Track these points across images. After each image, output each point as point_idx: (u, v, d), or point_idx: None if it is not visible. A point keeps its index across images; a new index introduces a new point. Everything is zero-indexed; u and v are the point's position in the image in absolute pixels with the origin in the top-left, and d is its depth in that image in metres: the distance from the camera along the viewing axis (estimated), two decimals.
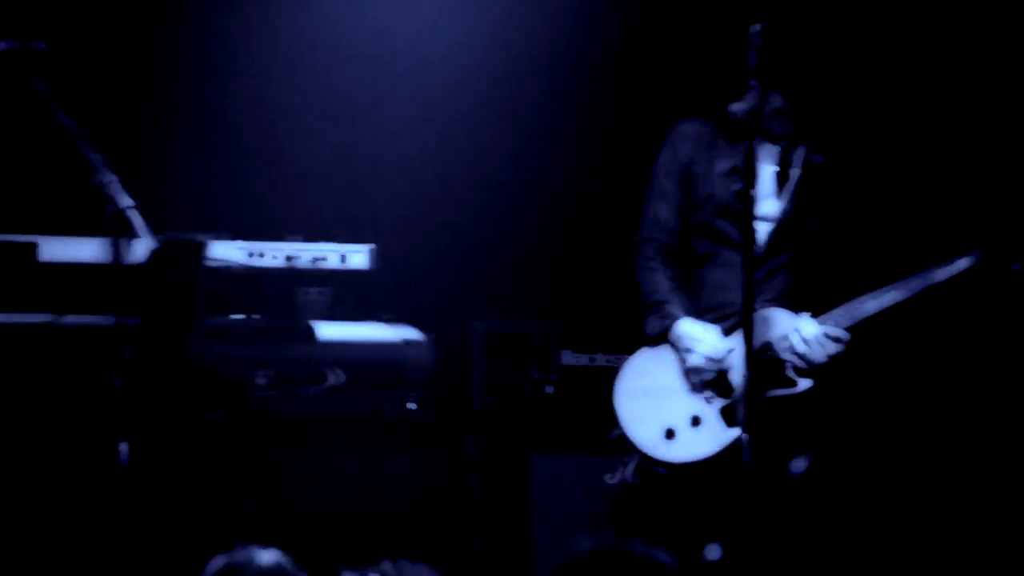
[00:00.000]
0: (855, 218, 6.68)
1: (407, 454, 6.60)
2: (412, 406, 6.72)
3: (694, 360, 6.59)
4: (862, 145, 6.75)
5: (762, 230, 6.58)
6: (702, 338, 6.59)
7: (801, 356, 6.54)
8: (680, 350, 6.65)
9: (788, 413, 6.58)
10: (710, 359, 6.55)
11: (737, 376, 6.53)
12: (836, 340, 6.54)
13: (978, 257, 6.35)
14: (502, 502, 7.21)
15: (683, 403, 6.70)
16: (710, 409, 6.67)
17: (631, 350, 6.73)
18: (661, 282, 6.75)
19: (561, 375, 7.67)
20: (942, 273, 6.42)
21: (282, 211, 7.19)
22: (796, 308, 6.62)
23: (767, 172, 6.60)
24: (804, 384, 6.59)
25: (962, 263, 6.39)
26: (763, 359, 6.50)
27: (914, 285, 6.47)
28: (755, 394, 6.11)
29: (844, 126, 6.66)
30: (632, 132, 8.00)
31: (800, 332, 6.57)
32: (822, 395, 6.60)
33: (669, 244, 6.76)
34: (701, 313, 6.71)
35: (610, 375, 6.71)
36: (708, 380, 6.65)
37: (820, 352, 6.50)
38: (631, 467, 6.72)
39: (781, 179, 6.63)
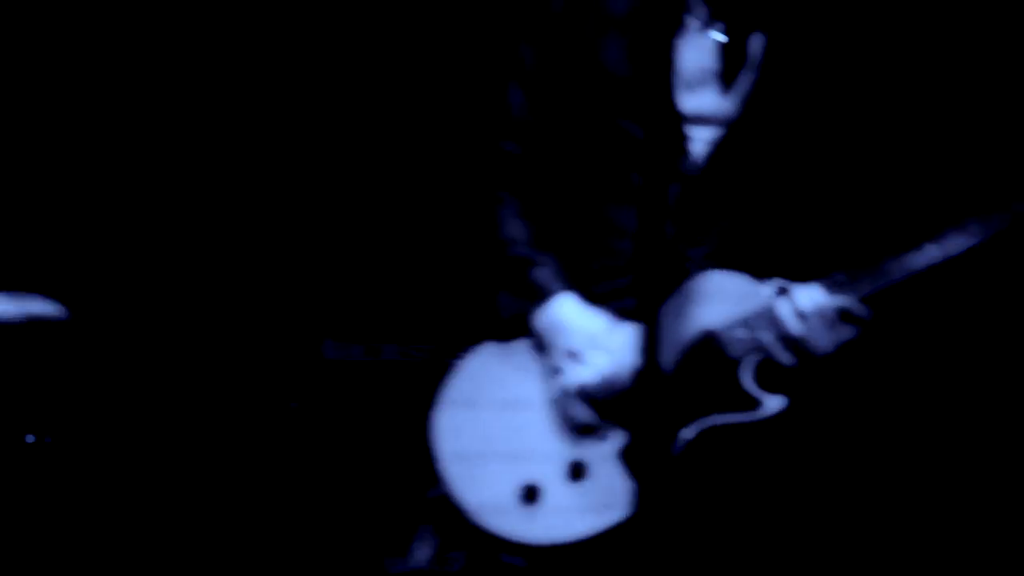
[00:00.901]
0: (864, 127, 3.81)
1: None
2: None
3: (582, 376, 3.72)
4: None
5: (698, 139, 3.81)
6: (593, 333, 3.74)
7: (794, 344, 3.68)
8: (553, 351, 3.75)
9: (737, 452, 3.79)
10: (607, 376, 3.74)
11: (651, 394, 3.55)
12: (852, 319, 3.66)
13: None
14: None
15: (555, 441, 3.80)
16: (601, 451, 3.77)
17: (463, 343, 3.89)
18: (518, 226, 3.85)
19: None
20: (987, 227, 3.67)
21: None
22: (759, 271, 3.78)
23: (707, 44, 3.83)
24: (773, 405, 3.66)
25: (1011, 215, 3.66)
26: (699, 361, 3.74)
27: (987, 227, 3.62)
28: (681, 423, 3.70)
29: None
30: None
31: (796, 303, 3.67)
32: (799, 422, 3.79)
33: (529, 158, 3.91)
34: (587, 281, 3.84)
35: (424, 381, 3.86)
36: (600, 404, 3.76)
37: (827, 338, 3.62)
38: (425, 550, 3.85)
39: (732, 60, 3.80)
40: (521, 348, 3.84)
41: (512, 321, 3.84)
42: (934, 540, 4.97)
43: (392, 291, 5.18)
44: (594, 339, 3.76)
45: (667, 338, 3.71)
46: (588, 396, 3.76)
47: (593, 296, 3.83)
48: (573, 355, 3.76)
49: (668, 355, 3.73)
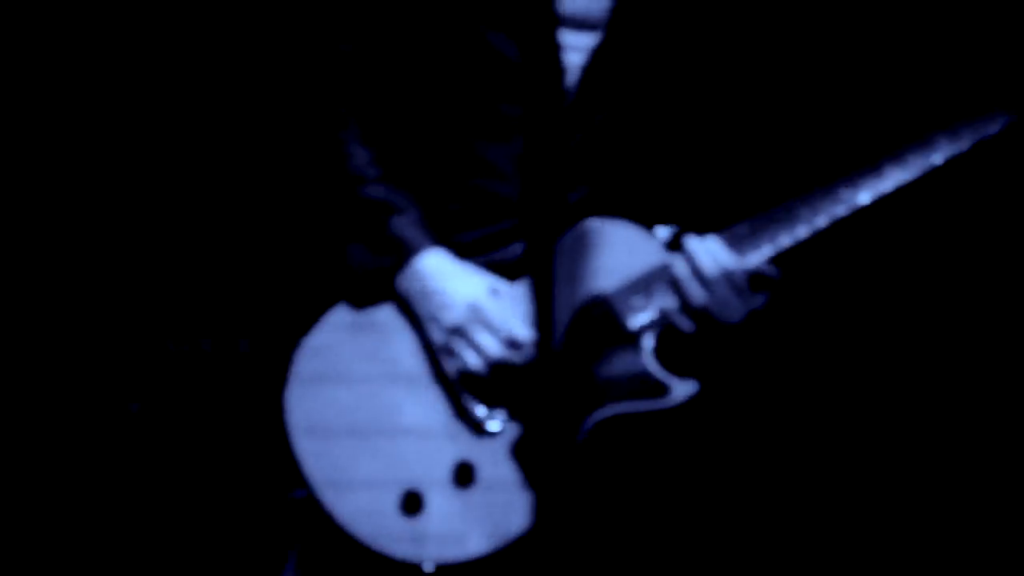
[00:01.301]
0: (768, 38, 3.33)
1: None
2: None
3: (467, 360, 3.22)
4: None
5: (573, 63, 3.27)
6: (474, 302, 3.25)
7: (697, 312, 3.20)
8: (428, 325, 3.26)
9: (646, 449, 3.31)
10: (496, 358, 3.23)
11: (547, 378, 3.06)
12: (764, 283, 3.19)
13: (1011, 118, 3.18)
14: None
15: (435, 437, 3.28)
16: (490, 449, 3.25)
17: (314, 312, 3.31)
18: (365, 157, 3.29)
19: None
20: (953, 144, 3.16)
21: None
22: (652, 219, 3.28)
23: None
24: (682, 391, 3.13)
25: (986, 126, 3.18)
26: (592, 334, 3.24)
27: (910, 166, 3.08)
28: (580, 413, 3.20)
29: None
30: None
31: (697, 262, 3.19)
32: (714, 407, 3.30)
33: (372, 66, 3.31)
34: (449, 227, 3.32)
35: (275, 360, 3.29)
36: (487, 391, 3.23)
37: (736, 305, 3.15)
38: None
39: None
40: (381, 314, 3.28)
41: (366, 278, 3.27)
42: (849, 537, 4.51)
43: (239, 279, 4.63)
44: (477, 311, 3.23)
45: (556, 305, 3.20)
46: (473, 382, 3.23)
47: (457, 246, 3.28)
48: (454, 333, 3.23)
49: (557, 328, 3.21)
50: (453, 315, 3.22)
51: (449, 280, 3.23)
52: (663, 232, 3.27)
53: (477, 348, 3.22)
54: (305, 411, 3.24)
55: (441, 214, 3.29)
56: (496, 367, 3.22)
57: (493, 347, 3.22)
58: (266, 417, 3.35)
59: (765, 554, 4.35)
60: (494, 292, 3.25)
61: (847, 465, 4.38)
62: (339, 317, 3.28)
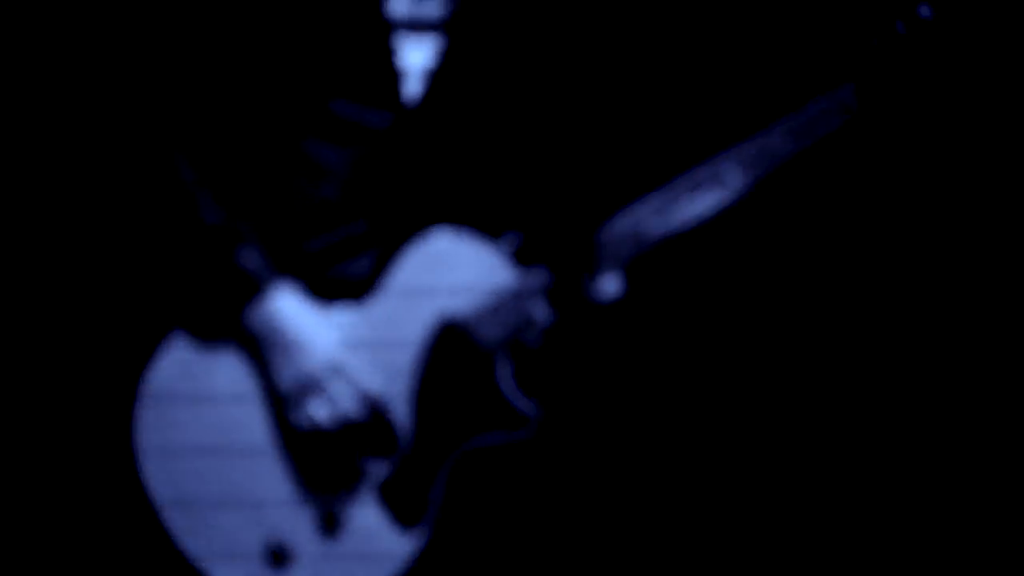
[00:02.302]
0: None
1: None
2: None
3: (320, 413, 3.06)
4: None
5: (412, 63, 3.12)
6: (328, 351, 3.08)
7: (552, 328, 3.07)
8: (277, 371, 3.07)
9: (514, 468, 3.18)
10: (352, 410, 3.09)
11: (400, 413, 3.08)
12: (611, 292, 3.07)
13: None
14: None
15: (295, 484, 3.11)
16: (355, 494, 3.09)
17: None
18: (189, 174, 3.08)
19: None
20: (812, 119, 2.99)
21: None
22: (499, 225, 3.14)
23: None
24: (538, 414, 3.08)
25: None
26: (452, 358, 3.07)
27: (771, 150, 2.97)
28: (444, 449, 3.07)
29: None
30: None
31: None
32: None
33: (184, 96, 3.11)
34: (296, 241, 3.15)
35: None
36: (342, 438, 3.09)
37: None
38: None
39: None
40: (224, 350, 3.09)
41: (208, 308, 3.07)
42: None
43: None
44: (332, 363, 3.04)
45: (405, 334, 3.06)
46: (326, 433, 3.07)
47: (303, 256, 3.10)
48: (307, 386, 3.05)
49: (411, 357, 3.07)
50: (308, 365, 3.04)
51: (304, 327, 3.05)
52: (509, 241, 3.11)
53: (334, 401, 3.04)
54: (166, 483, 3.08)
55: (282, 224, 3.10)
56: (350, 420, 3.05)
57: (348, 399, 3.04)
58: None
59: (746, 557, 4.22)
60: (345, 343, 3.07)
61: (840, 465, 4.24)
62: (177, 349, 3.08)
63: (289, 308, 3.05)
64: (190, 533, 3.05)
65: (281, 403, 3.06)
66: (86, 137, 3.99)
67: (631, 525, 4.06)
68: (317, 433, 3.05)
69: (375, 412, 3.05)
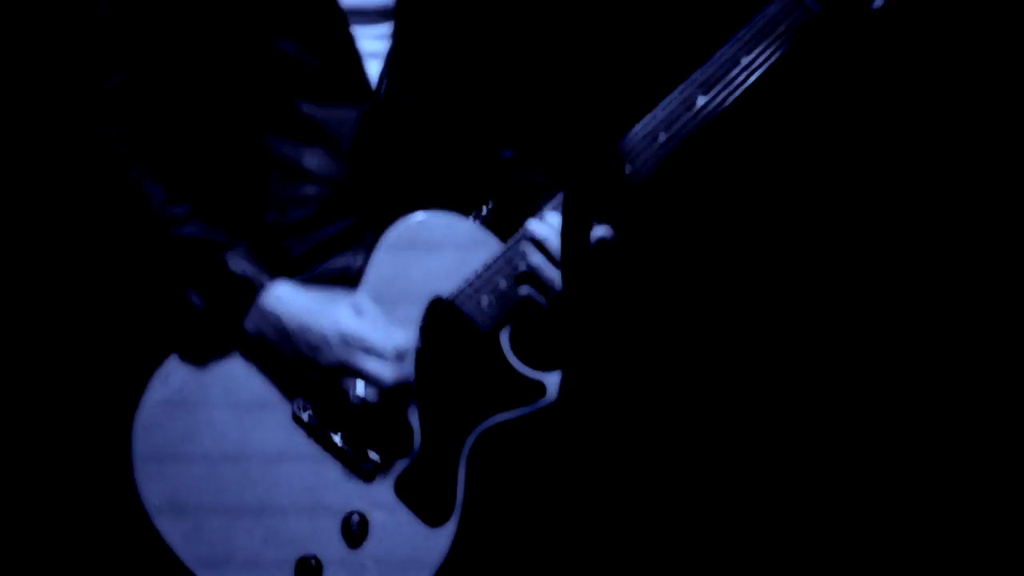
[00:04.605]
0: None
1: None
2: None
3: (361, 394, 2.98)
4: None
5: (370, 53, 3.08)
6: (347, 328, 2.98)
7: (541, 285, 3.01)
8: (293, 368, 3.00)
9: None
10: (392, 379, 2.99)
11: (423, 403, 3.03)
12: (602, 245, 3.00)
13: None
14: None
15: (314, 492, 3.01)
16: (373, 495, 3.01)
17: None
18: (159, 194, 3.01)
19: None
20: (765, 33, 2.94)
21: None
22: (470, 203, 3.12)
23: None
24: (554, 384, 3.01)
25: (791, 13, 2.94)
26: (450, 340, 3.04)
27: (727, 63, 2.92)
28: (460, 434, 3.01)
29: None
30: None
31: (548, 245, 2.99)
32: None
33: (142, 93, 3.04)
34: (276, 243, 3.07)
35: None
36: (359, 431, 3.01)
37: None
38: None
39: None
40: (227, 364, 3.01)
41: (206, 323, 2.99)
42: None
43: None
44: (353, 339, 2.95)
45: (400, 316, 3.00)
46: (354, 422, 2.97)
47: (286, 258, 3.03)
48: (337, 371, 2.96)
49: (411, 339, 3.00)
50: (330, 354, 2.96)
51: (309, 315, 2.96)
52: (480, 215, 3.07)
53: (369, 377, 2.95)
54: (160, 492, 2.98)
55: (260, 229, 3.03)
56: (392, 389, 2.96)
57: (385, 371, 2.94)
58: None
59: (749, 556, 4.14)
60: (357, 311, 2.97)
61: (839, 464, 4.17)
62: (175, 371, 3.01)
63: (287, 298, 2.97)
64: (204, 544, 2.98)
65: (313, 391, 2.98)
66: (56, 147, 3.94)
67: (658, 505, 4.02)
68: (367, 414, 2.97)
69: (405, 370, 2.98)
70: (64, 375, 4.09)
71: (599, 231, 2.94)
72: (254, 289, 2.96)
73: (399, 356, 2.95)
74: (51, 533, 4.17)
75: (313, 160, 3.00)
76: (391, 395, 2.97)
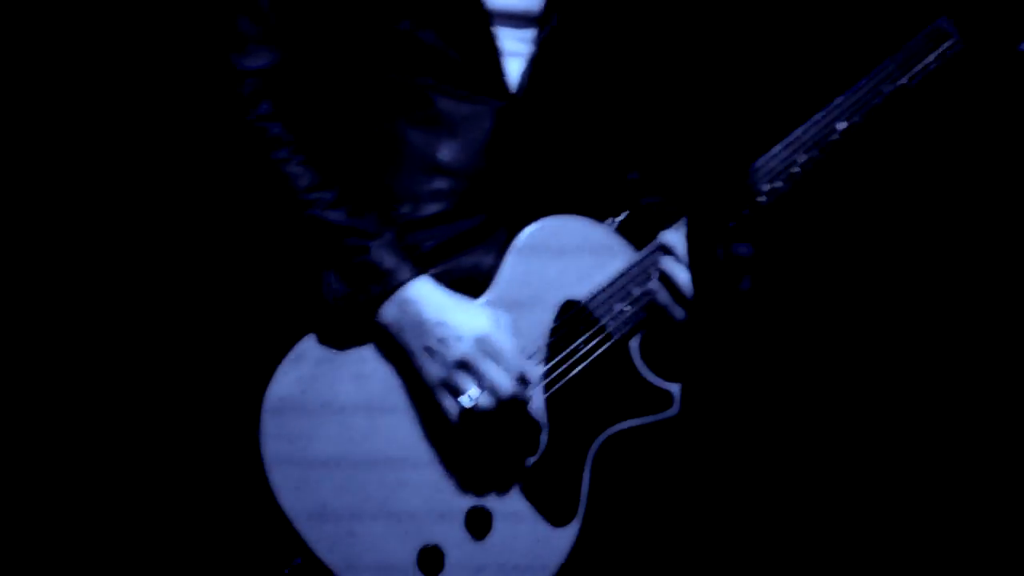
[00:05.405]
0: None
1: None
2: None
3: (476, 399, 3.01)
4: None
5: (513, 56, 3.12)
6: (478, 331, 3.03)
7: (687, 303, 3.06)
8: (425, 356, 3.02)
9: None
10: (508, 392, 3.02)
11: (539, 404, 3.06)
12: (743, 264, 3.07)
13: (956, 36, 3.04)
14: None
15: (442, 485, 3.05)
16: (499, 490, 3.05)
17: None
18: (306, 176, 3.04)
19: None
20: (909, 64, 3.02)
21: None
22: (606, 207, 3.15)
23: None
24: (678, 394, 3.05)
25: (937, 46, 3.02)
26: (580, 344, 3.08)
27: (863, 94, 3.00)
28: (587, 436, 3.05)
29: None
30: None
31: (680, 251, 3.07)
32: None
33: (290, 74, 3.06)
34: (407, 236, 3.11)
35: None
36: (496, 428, 3.03)
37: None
38: None
39: None
40: (361, 351, 3.05)
41: (344, 309, 3.03)
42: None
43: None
44: (486, 343, 3.00)
45: (528, 324, 3.07)
46: (478, 421, 3.02)
47: (416, 252, 3.07)
48: (459, 367, 3.00)
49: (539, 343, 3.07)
50: (459, 348, 2.99)
51: (449, 311, 3.01)
52: (616, 221, 3.11)
53: (488, 383, 3.00)
54: (299, 494, 3.03)
55: (392, 219, 3.07)
56: (503, 403, 3.00)
57: (504, 382, 3.00)
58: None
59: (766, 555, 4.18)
60: (497, 324, 3.03)
61: (845, 465, 4.21)
62: (308, 351, 3.05)
63: (429, 293, 3.01)
64: (332, 545, 3.02)
65: (433, 392, 3.03)
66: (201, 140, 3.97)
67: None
68: (470, 421, 3.01)
69: (524, 392, 3.02)
70: (189, 356, 4.14)
71: (732, 248, 3.00)
72: (395, 279, 3.01)
73: (521, 378, 3.01)
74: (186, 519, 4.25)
75: (447, 153, 3.05)
76: (505, 408, 3.02)
